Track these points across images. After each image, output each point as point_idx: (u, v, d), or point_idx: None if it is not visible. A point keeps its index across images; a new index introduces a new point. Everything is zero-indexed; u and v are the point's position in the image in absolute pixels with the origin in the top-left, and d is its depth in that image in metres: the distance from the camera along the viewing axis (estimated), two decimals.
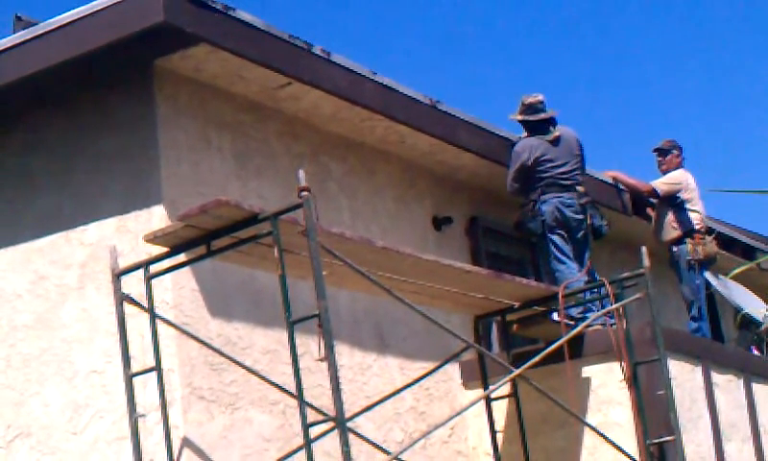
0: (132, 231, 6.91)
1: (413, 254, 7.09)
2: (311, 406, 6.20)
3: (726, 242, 11.94)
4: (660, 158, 10.60)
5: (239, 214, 6.15)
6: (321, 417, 5.99)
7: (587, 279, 8.79)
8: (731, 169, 29.54)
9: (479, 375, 8.27)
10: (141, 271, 6.47)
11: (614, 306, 8.04)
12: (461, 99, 32.03)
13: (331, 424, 5.94)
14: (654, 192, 10.34)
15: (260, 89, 7.54)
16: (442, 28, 30.84)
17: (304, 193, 5.95)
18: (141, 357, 6.61)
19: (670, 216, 10.30)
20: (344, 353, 7.69)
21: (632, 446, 7.94)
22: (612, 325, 8.16)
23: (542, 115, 9.13)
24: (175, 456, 6.51)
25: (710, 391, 8.81)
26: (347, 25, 30.17)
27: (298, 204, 5.98)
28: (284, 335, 6.26)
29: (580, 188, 9.03)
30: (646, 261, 8.02)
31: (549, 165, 8.96)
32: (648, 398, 7.91)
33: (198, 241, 6.33)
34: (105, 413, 6.89)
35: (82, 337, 7.04)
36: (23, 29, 7.35)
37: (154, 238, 6.38)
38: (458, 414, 7.77)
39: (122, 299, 6.48)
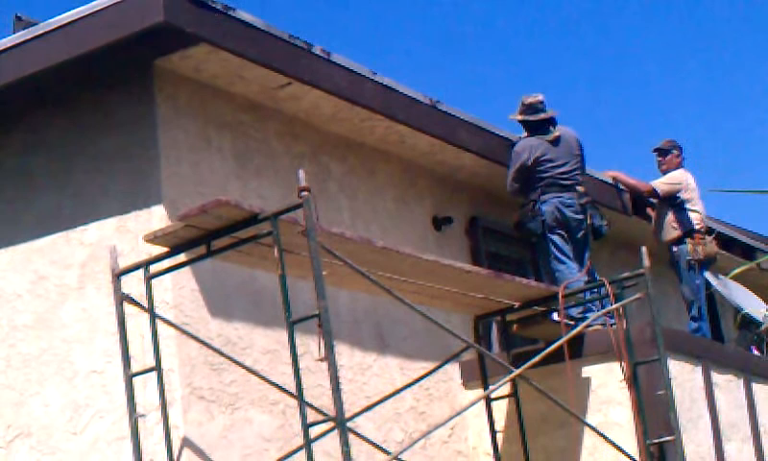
0: (132, 231, 6.91)
1: (413, 254, 7.08)
2: (311, 406, 6.20)
3: (726, 242, 11.94)
4: (660, 158, 10.60)
5: (239, 214, 6.15)
6: (321, 417, 5.99)
7: (587, 278, 8.79)
8: (731, 169, 29.59)
9: (479, 375, 8.27)
10: (141, 271, 6.47)
11: (614, 306, 8.03)
12: (461, 99, 32.07)
13: (331, 424, 5.93)
14: (654, 192, 10.34)
15: (260, 89, 7.54)
16: (442, 28, 30.88)
17: (304, 193, 5.95)
18: (141, 357, 6.61)
19: (670, 216, 10.30)
20: (344, 353, 7.69)
21: (632, 446, 7.94)
22: (612, 325, 8.16)
23: (542, 115, 9.13)
24: (175, 456, 6.51)
25: (710, 391, 8.81)
26: (347, 25, 30.20)
27: (298, 204, 5.98)
28: (284, 335, 6.26)
29: (580, 188, 9.02)
30: (646, 261, 8.02)
31: (549, 165, 8.95)
32: (648, 398, 7.90)
33: (198, 241, 6.33)
34: (105, 413, 6.88)
35: (82, 337, 7.04)
36: (23, 29, 7.35)
37: (154, 238, 6.37)
38: (458, 414, 7.77)
39: (122, 299, 6.48)
